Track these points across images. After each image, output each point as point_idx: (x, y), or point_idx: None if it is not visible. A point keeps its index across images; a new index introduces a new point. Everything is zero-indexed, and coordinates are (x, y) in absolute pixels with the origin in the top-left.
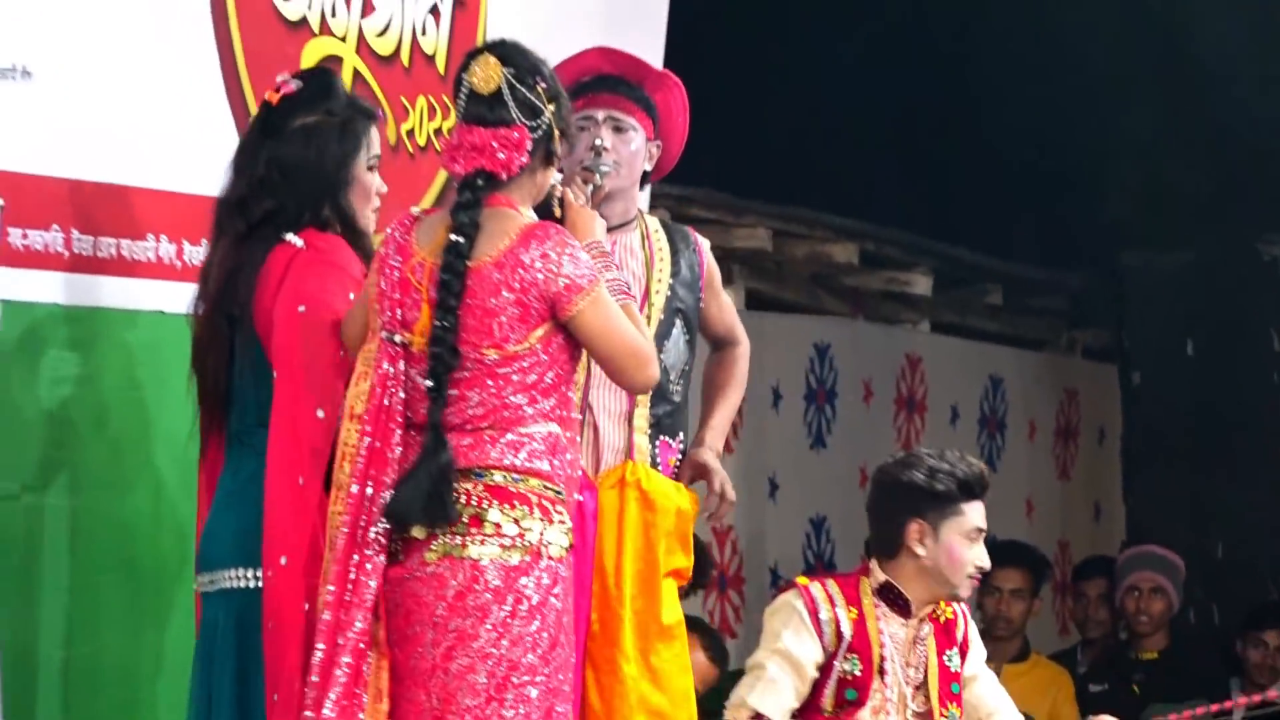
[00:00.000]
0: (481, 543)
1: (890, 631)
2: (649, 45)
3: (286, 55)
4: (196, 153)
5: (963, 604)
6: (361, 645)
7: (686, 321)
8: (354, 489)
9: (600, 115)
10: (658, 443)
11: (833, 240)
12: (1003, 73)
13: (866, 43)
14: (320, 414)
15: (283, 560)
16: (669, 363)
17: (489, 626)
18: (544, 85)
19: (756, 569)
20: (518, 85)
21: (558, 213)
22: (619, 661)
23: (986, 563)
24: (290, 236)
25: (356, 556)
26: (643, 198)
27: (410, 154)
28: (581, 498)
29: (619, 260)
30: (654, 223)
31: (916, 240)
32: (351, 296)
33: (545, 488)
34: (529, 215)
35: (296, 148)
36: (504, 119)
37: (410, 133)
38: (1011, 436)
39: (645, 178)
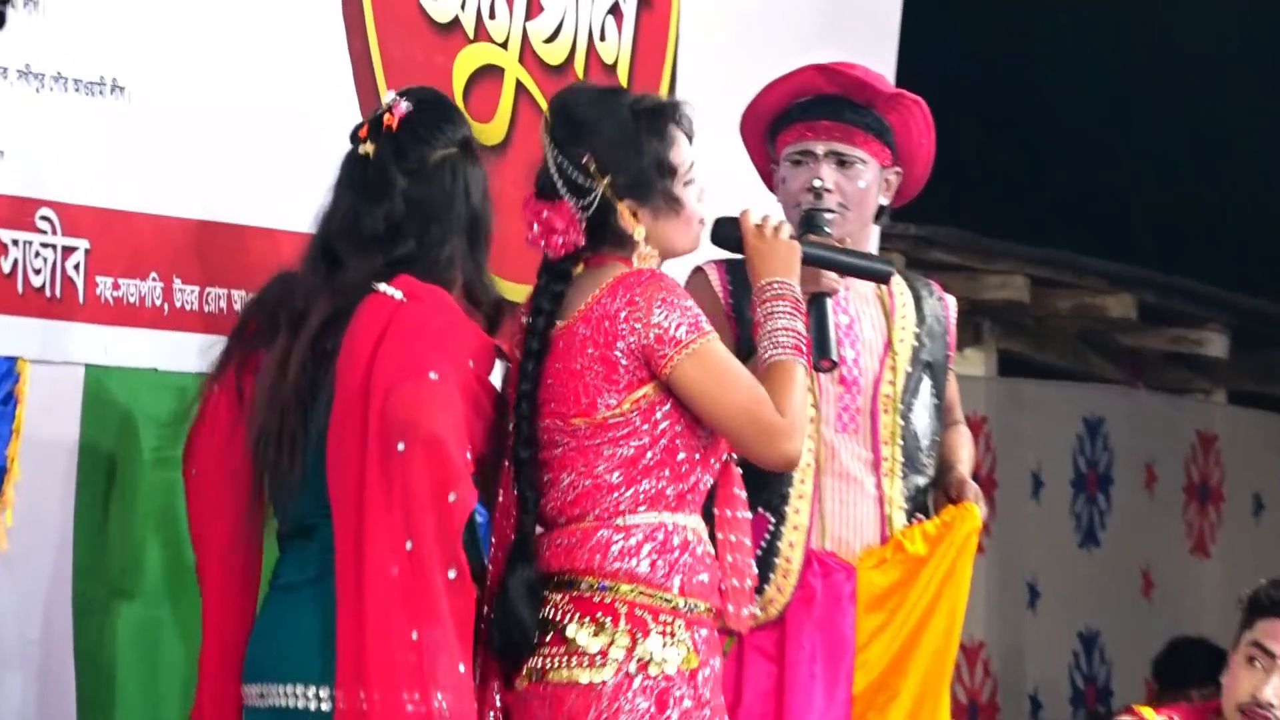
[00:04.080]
0: (559, 665)
1: None
2: (877, 53)
3: (435, 66)
4: (326, 185)
5: None
6: None
7: (935, 379)
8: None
9: (820, 149)
10: (914, 521)
11: (1105, 291)
12: None
13: (1147, 62)
14: (452, 497)
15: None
16: (918, 428)
17: None
18: (590, 157)
19: (1013, 695)
20: (562, 159)
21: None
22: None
23: (1271, 697)
24: (384, 286)
25: (480, 680)
26: (874, 234)
27: None
28: (816, 582)
29: (853, 309)
30: None
31: (1209, 291)
32: (470, 364)
33: (641, 594)
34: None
35: (441, 185)
36: (549, 193)
37: None
38: None
39: (882, 210)
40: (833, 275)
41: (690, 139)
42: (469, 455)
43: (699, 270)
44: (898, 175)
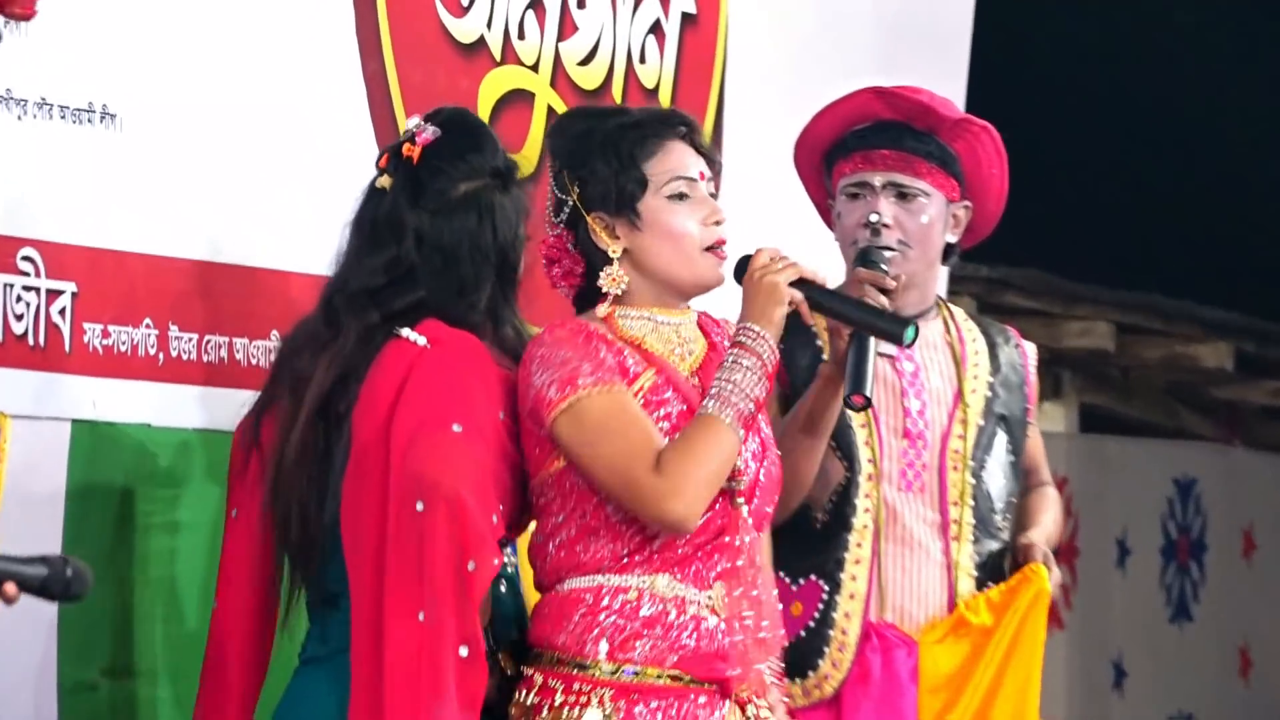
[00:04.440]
0: None
1: None
2: (944, 77)
3: (458, 90)
4: (338, 222)
5: None
6: None
7: (1011, 433)
8: None
9: (877, 181)
10: (985, 589)
11: (1199, 339)
12: None
13: (1245, 96)
14: (471, 566)
15: None
16: (992, 488)
17: None
18: (564, 169)
19: None
20: (550, 180)
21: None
22: None
23: None
24: (407, 332)
25: None
26: (942, 275)
27: None
28: (874, 658)
29: (920, 356)
30: (959, 312)
31: None
32: (501, 416)
33: (557, 662)
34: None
35: (464, 223)
36: (547, 223)
37: None
38: None
39: (950, 249)
40: None
41: (704, 154)
42: (495, 518)
43: None
44: (967, 210)
